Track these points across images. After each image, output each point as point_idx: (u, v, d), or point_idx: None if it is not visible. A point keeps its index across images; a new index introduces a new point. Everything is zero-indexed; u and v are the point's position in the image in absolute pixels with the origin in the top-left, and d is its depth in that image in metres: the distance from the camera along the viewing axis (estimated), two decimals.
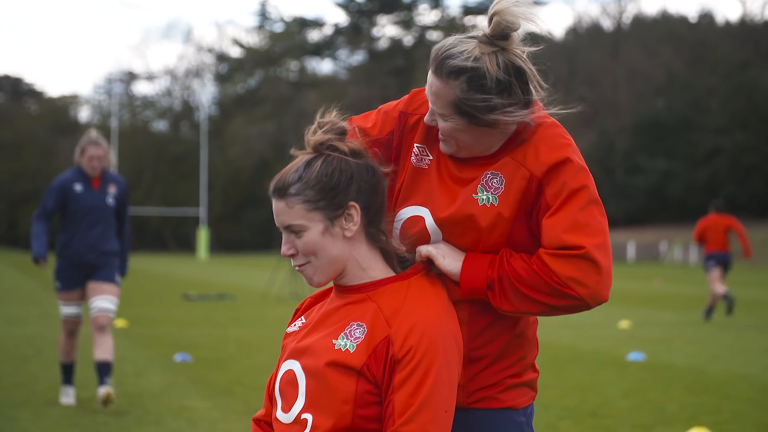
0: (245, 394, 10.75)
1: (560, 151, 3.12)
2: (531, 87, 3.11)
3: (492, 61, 3.05)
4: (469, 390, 3.21)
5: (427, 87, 3.16)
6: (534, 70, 3.11)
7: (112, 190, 10.34)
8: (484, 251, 3.16)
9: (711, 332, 18.68)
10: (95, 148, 10.25)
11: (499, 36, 3.06)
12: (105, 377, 9.85)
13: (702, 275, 47.20)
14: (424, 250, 3.17)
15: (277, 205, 3.10)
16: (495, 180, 3.15)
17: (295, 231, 3.08)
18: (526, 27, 3.09)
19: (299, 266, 3.12)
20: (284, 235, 3.11)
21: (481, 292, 3.12)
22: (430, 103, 3.16)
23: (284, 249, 3.11)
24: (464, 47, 3.07)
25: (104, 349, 9.96)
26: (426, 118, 3.20)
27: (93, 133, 10.44)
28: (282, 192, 3.08)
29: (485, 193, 3.15)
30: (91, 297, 10.10)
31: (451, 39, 3.12)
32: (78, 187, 10.24)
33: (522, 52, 3.09)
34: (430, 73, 3.12)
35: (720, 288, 20.78)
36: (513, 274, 3.09)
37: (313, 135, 3.14)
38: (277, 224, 3.12)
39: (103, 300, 10.10)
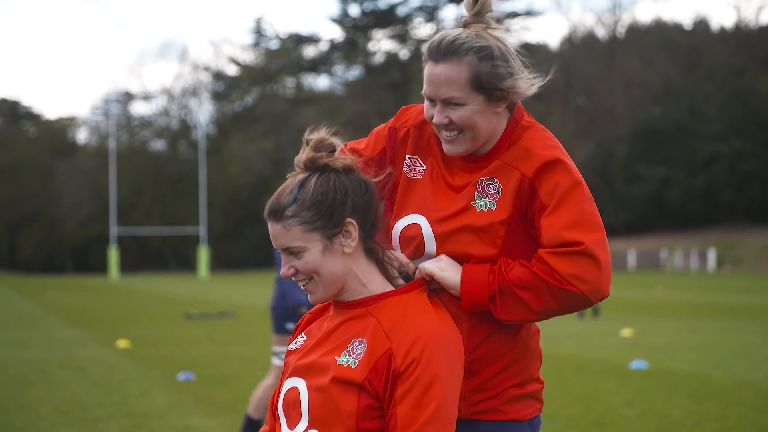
0: None
1: (549, 152, 3.17)
2: (522, 71, 3.20)
3: (488, 34, 3.18)
4: (471, 401, 3.20)
5: (429, 84, 3.18)
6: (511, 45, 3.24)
7: None
8: (483, 257, 3.18)
9: (714, 339, 18.68)
10: None
11: (481, 14, 3.20)
12: None
13: (704, 282, 47.19)
14: (425, 268, 3.18)
15: (273, 228, 3.08)
16: (491, 185, 3.19)
17: (295, 252, 3.08)
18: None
19: (303, 285, 3.13)
20: (283, 257, 3.10)
21: (483, 305, 3.14)
22: (438, 97, 3.17)
23: (284, 270, 3.10)
24: (458, 31, 3.19)
25: None
26: (435, 118, 3.19)
27: None
28: (278, 215, 3.07)
29: (483, 199, 3.19)
30: None
31: (440, 32, 3.22)
32: None
33: (496, 29, 3.22)
34: (432, 65, 3.17)
35: None
36: (513, 281, 3.10)
37: (302, 153, 3.14)
38: (275, 246, 3.11)
39: None
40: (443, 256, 3.20)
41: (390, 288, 3.16)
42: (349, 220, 3.08)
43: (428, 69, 3.17)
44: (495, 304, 3.12)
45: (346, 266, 3.10)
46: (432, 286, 3.19)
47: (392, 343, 3.00)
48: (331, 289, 3.11)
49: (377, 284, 3.15)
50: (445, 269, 3.16)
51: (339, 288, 3.12)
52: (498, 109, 3.18)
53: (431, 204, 3.24)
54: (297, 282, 3.13)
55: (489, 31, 3.18)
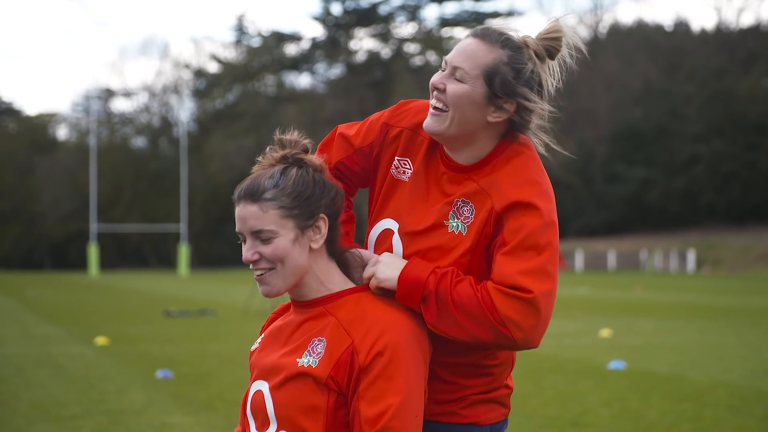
0: (227, 410, 10.75)
1: (527, 190, 3.11)
2: (539, 105, 3.16)
3: (533, 56, 3.16)
4: (432, 404, 3.19)
5: (456, 51, 3.16)
6: (550, 98, 3.20)
7: None
8: None
9: (692, 340, 18.75)
10: None
11: (545, 43, 3.19)
12: None
13: (683, 282, 47.36)
14: (366, 273, 3.15)
15: (247, 209, 3.07)
16: (466, 208, 3.15)
17: (265, 237, 3.05)
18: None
19: (261, 273, 3.09)
20: (249, 241, 3.07)
21: (414, 303, 3.07)
22: (453, 63, 3.14)
23: (248, 255, 3.06)
24: (515, 34, 3.18)
25: None
26: (435, 78, 3.17)
27: None
28: (255, 196, 3.06)
29: (456, 220, 3.15)
30: None
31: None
32: None
33: (551, 74, 3.20)
34: (471, 38, 3.15)
35: None
36: (454, 297, 3.04)
37: (276, 149, 3.16)
38: (242, 230, 3.08)
39: None
40: (384, 255, 3.16)
41: (350, 286, 3.16)
42: (322, 215, 3.10)
43: (467, 38, 3.19)
44: (427, 306, 3.05)
45: (308, 262, 3.10)
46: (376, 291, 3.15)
47: (354, 339, 3.02)
48: (290, 281, 3.10)
49: (336, 282, 3.15)
50: (385, 270, 3.11)
51: (296, 283, 3.12)
52: (487, 121, 3.15)
53: (406, 212, 3.22)
54: (255, 270, 3.09)
55: (538, 60, 3.18)
